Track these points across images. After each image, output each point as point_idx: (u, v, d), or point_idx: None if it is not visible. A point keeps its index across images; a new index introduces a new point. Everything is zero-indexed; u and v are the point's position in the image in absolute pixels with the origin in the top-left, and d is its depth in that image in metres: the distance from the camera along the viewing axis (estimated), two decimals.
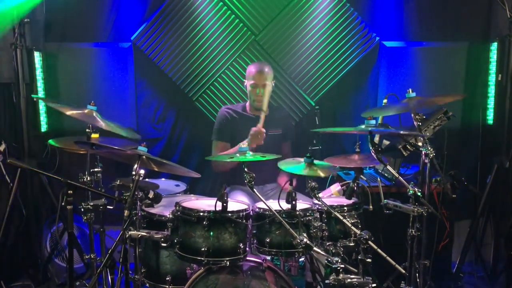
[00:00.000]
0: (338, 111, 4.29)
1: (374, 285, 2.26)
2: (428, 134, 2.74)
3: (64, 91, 4.08)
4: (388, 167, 2.64)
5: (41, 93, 3.92)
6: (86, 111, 2.96)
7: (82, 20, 4.08)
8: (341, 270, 2.26)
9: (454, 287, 3.66)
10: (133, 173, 2.49)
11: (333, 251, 2.61)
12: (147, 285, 2.80)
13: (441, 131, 2.81)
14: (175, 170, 2.89)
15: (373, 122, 2.68)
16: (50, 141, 3.28)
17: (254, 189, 2.50)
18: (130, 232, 2.49)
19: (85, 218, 2.95)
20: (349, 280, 2.24)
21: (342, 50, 4.18)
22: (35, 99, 3.82)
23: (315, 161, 2.81)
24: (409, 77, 4.15)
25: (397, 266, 2.55)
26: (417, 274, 2.70)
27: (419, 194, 2.47)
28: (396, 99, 3.00)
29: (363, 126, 2.68)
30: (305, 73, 4.21)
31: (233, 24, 4.14)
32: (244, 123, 3.61)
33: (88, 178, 2.88)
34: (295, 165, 2.81)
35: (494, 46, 3.94)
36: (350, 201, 2.81)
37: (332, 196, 3.11)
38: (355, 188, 2.82)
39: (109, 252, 2.40)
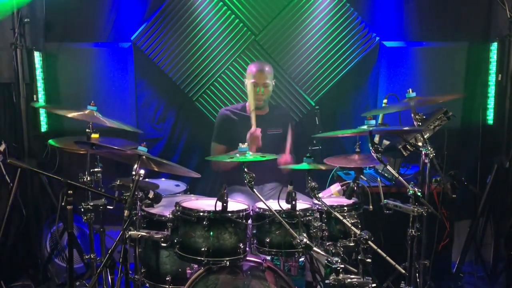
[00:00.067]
0: (338, 111, 4.29)
1: (374, 285, 2.26)
2: (428, 134, 2.74)
3: (64, 91, 4.08)
4: (388, 167, 2.64)
5: (41, 93, 3.92)
6: (86, 111, 2.97)
7: (82, 20, 4.08)
8: (341, 270, 2.26)
9: (454, 287, 3.66)
10: (133, 173, 2.49)
11: (333, 251, 2.61)
12: (147, 285, 2.80)
13: (441, 131, 2.81)
14: (175, 170, 2.89)
15: (373, 122, 2.68)
16: (50, 141, 3.29)
17: (254, 189, 2.50)
18: (130, 232, 2.49)
19: (85, 218, 2.95)
20: (349, 280, 2.24)
21: (342, 50, 4.18)
22: (34, 99, 3.82)
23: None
24: (409, 77, 4.15)
25: (397, 266, 2.55)
26: (417, 274, 2.70)
27: (419, 194, 2.47)
28: (396, 99, 3.00)
29: (364, 127, 2.67)
30: (305, 73, 4.22)
31: (233, 24, 4.14)
32: (244, 123, 3.61)
33: (88, 178, 2.88)
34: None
35: (494, 46, 3.94)
36: (350, 201, 2.81)
37: (332, 196, 3.11)
38: (355, 188, 2.82)
39: (109, 252, 2.40)
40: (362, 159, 2.97)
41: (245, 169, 2.52)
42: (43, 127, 3.97)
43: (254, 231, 2.69)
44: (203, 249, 2.51)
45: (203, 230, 2.53)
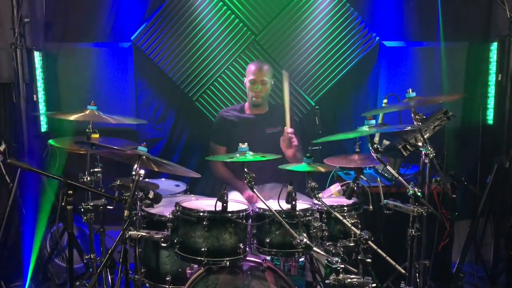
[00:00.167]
0: (338, 111, 4.30)
1: (374, 285, 2.26)
2: (428, 134, 2.74)
3: (64, 91, 4.08)
4: (388, 167, 2.64)
5: (41, 93, 3.91)
6: (87, 111, 2.96)
7: (82, 20, 4.08)
8: (341, 270, 2.26)
9: (454, 287, 3.66)
10: (133, 173, 2.49)
11: (333, 251, 2.61)
12: (147, 285, 2.80)
13: (441, 131, 2.81)
14: (175, 170, 2.89)
15: (373, 122, 2.68)
16: (50, 141, 3.28)
17: (254, 190, 2.50)
18: (130, 232, 2.49)
19: (85, 218, 2.95)
20: (349, 280, 2.24)
21: (342, 50, 4.18)
22: (34, 99, 3.82)
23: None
24: (409, 77, 4.15)
25: (397, 266, 2.55)
26: (417, 274, 2.70)
27: (419, 194, 2.47)
28: (396, 99, 3.00)
29: (366, 128, 2.66)
30: (305, 73, 4.22)
31: (233, 24, 4.14)
32: (242, 124, 3.62)
33: (88, 178, 2.88)
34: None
35: (494, 46, 3.94)
36: (350, 201, 2.81)
37: (332, 196, 3.10)
38: (355, 188, 2.82)
39: (109, 252, 2.40)
40: (362, 159, 2.97)
41: (245, 169, 2.52)
42: (43, 127, 3.97)
43: (254, 231, 2.69)
44: (203, 249, 2.51)
45: (203, 230, 2.53)
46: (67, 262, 3.12)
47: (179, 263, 2.72)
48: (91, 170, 2.92)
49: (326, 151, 3.53)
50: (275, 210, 2.52)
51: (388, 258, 2.50)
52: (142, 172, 2.50)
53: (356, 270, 2.34)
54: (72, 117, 2.92)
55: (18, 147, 3.77)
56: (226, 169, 3.71)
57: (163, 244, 2.58)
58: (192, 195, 3.10)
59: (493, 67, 3.96)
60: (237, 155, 2.63)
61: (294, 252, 2.59)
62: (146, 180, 3.16)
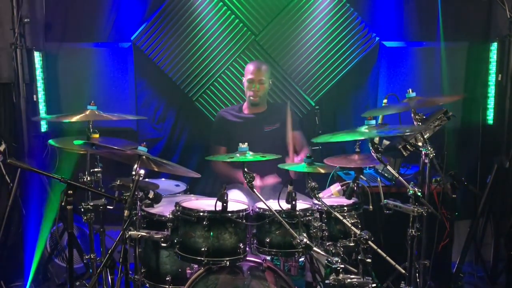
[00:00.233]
0: (338, 111, 4.30)
1: (374, 285, 2.26)
2: (428, 134, 2.74)
3: (64, 91, 4.08)
4: (388, 167, 2.64)
5: (41, 93, 3.91)
6: (87, 112, 2.97)
7: (82, 20, 4.08)
8: (341, 270, 2.26)
9: (454, 287, 3.66)
10: (133, 173, 2.49)
11: (333, 251, 2.61)
12: (147, 285, 2.80)
13: (441, 131, 2.81)
14: (175, 170, 2.90)
15: (373, 122, 2.67)
16: (50, 141, 3.28)
17: (254, 190, 2.50)
18: (130, 232, 2.49)
19: (85, 218, 2.95)
20: (349, 280, 2.24)
21: (342, 50, 4.18)
22: (34, 99, 3.82)
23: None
24: (409, 77, 4.15)
25: (397, 266, 2.55)
26: (417, 274, 2.70)
27: (419, 194, 2.47)
28: (396, 99, 3.00)
29: (364, 129, 2.66)
30: (305, 73, 4.22)
31: (233, 24, 4.14)
32: (241, 123, 3.63)
33: (88, 178, 2.88)
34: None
35: (494, 46, 3.94)
36: (350, 201, 2.81)
37: (332, 196, 3.10)
38: (355, 188, 2.82)
39: (109, 252, 2.40)
40: (362, 159, 2.96)
41: (245, 169, 2.52)
42: (43, 127, 3.97)
43: (254, 231, 2.69)
44: (203, 249, 2.51)
45: (203, 230, 2.53)
46: (67, 262, 3.12)
47: (179, 263, 2.72)
48: (91, 170, 2.92)
49: (326, 151, 3.53)
50: (275, 210, 2.52)
51: (388, 258, 2.50)
52: (142, 172, 2.50)
53: (356, 270, 2.34)
54: (73, 119, 2.93)
55: (18, 147, 3.77)
56: (225, 164, 3.70)
57: (163, 244, 2.58)
58: (192, 195, 3.10)
59: (493, 67, 3.97)
60: (237, 155, 2.63)
61: (294, 252, 2.59)
62: (146, 180, 3.16)
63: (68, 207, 2.42)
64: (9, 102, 3.81)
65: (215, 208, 2.50)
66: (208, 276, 2.60)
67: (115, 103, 4.09)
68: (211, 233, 2.53)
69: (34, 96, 3.84)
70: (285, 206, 2.57)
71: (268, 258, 2.73)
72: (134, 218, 2.66)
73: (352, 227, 2.59)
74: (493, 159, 3.82)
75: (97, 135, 2.98)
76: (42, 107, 3.95)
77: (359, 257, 2.29)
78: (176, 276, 2.74)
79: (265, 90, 3.68)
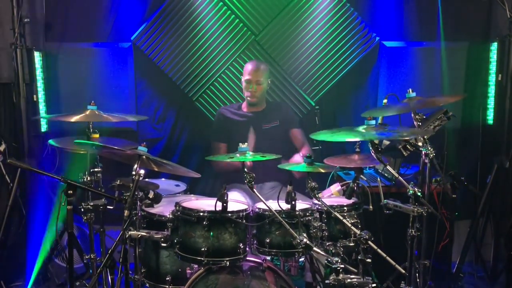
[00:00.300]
0: (338, 111, 4.30)
1: (374, 285, 2.26)
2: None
3: (64, 91, 4.08)
4: (388, 167, 2.64)
5: (41, 93, 3.92)
6: (87, 112, 2.97)
7: (82, 20, 4.08)
8: (341, 270, 2.26)
9: (454, 287, 3.66)
10: (133, 173, 2.49)
11: (333, 251, 2.61)
12: (147, 285, 2.80)
13: (441, 131, 2.81)
14: (175, 170, 2.90)
15: (373, 122, 2.67)
16: (50, 141, 3.28)
17: (254, 189, 2.50)
18: (130, 232, 2.49)
19: (85, 218, 2.95)
20: (349, 280, 2.24)
21: (342, 50, 4.18)
22: (34, 99, 3.82)
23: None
24: (409, 77, 4.15)
25: (397, 266, 2.55)
26: (417, 274, 2.70)
27: (419, 194, 2.47)
28: (396, 99, 3.00)
29: (362, 129, 2.66)
30: (305, 73, 4.22)
31: (233, 24, 4.14)
32: (241, 122, 3.64)
33: (88, 178, 2.88)
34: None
35: (494, 46, 3.94)
36: (350, 201, 2.81)
37: (332, 196, 3.10)
38: (355, 188, 2.82)
39: (109, 252, 2.40)
40: (362, 159, 2.96)
41: (245, 169, 2.52)
42: (43, 127, 3.97)
43: (254, 231, 2.69)
44: (203, 249, 2.51)
45: (203, 230, 2.53)
46: (67, 262, 3.12)
47: (179, 263, 2.72)
48: (91, 170, 2.92)
49: (326, 151, 3.53)
50: (275, 210, 2.52)
51: (388, 258, 2.50)
52: (142, 172, 2.50)
53: (356, 270, 2.34)
54: (73, 119, 2.93)
55: (18, 147, 3.77)
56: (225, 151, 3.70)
57: (163, 244, 2.58)
58: (192, 195, 3.10)
59: (493, 67, 3.97)
60: (237, 155, 2.63)
61: (294, 252, 2.59)
62: (146, 180, 3.16)
63: (68, 207, 2.42)
64: (9, 102, 3.82)
65: (215, 208, 2.50)
66: (208, 276, 2.60)
67: (115, 103, 4.08)
68: (211, 233, 2.53)
69: (34, 96, 3.84)
70: (285, 206, 2.57)
71: (268, 258, 2.73)
72: (134, 218, 2.66)
73: (352, 227, 2.58)
74: (493, 159, 3.83)
75: (97, 135, 2.99)
76: (42, 107, 3.95)
77: (359, 257, 2.29)
78: (176, 276, 2.74)
79: (263, 90, 3.69)
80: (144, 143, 2.63)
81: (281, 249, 2.60)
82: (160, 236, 2.56)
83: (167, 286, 2.72)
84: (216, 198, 2.50)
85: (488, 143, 4.04)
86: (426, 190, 2.75)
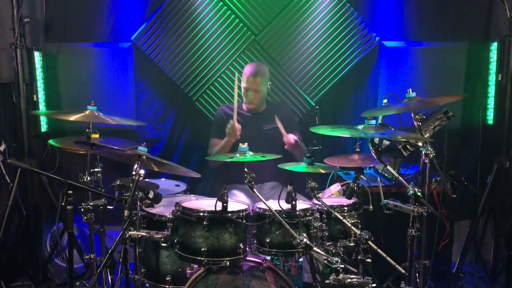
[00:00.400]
0: (338, 111, 4.29)
1: (374, 285, 2.26)
2: (428, 134, 2.74)
3: (64, 91, 4.08)
4: (388, 167, 2.64)
5: (41, 93, 3.91)
6: (87, 112, 2.97)
7: (82, 20, 4.08)
8: (341, 270, 2.26)
9: (454, 287, 3.66)
10: (133, 173, 2.49)
11: (333, 251, 2.61)
12: (147, 285, 2.80)
13: (441, 131, 2.81)
14: (175, 170, 2.90)
15: (373, 122, 2.67)
16: (50, 141, 3.29)
17: (254, 190, 2.50)
18: (130, 232, 2.49)
19: (85, 218, 2.96)
20: (349, 280, 2.24)
21: (342, 50, 4.18)
22: (34, 99, 3.82)
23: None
24: (409, 77, 4.15)
25: (397, 266, 2.55)
26: (417, 274, 2.70)
27: (419, 194, 2.47)
28: (396, 99, 3.00)
29: (361, 128, 2.66)
30: (305, 73, 4.22)
31: (233, 24, 4.14)
32: (241, 120, 3.64)
33: (88, 178, 2.89)
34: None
35: (494, 46, 3.94)
36: (350, 201, 2.81)
37: (332, 196, 3.10)
38: (355, 188, 2.82)
39: (109, 252, 2.40)
40: (362, 159, 2.97)
41: (245, 169, 2.52)
42: (43, 127, 3.97)
43: (254, 231, 2.69)
44: (203, 249, 2.51)
45: (203, 230, 2.53)
46: (67, 262, 3.12)
47: (179, 263, 2.72)
48: (91, 170, 2.92)
49: (326, 151, 3.53)
50: (275, 210, 2.52)
51: (388, 258, 2.50)
52: (142, 172, 2.50)
53: (356, 270, 2.34)
54: (72, 118, 2.92)
55: (18, 147, 3.77)
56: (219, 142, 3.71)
57: (163, 244, 2.58)
58: (192, 195, 3.09)
59: (493, 67, 3.97)
60: (237, 155, 2.63)
61: (294, 252, 2.59)
62: (146, 180, 3.17)
63: (68, 207, 2.42)
64: (9, 102, 3.82)
65: (215, 208, 2.50)
66: (208, 276, 2.59)
67: (115, 103, 4.09)
68: (211, 233, 2.53)
69: (34, 96, 3.84)
70: (285, 206, 2.57)
71: (268, 258, 2.73)
72: (134, 218, 2.66)
73: (352, 227, 2.59)
74: (493, 159, 3.82)
75: (97, 135, 2.99)
76: (42, 107, 3.95)
77: (359, 257, 2.29)
78: (176, 276, 2.74)
79: (262, 97, 3.68)
80: (144, 143, 2.63)
81: (281, 249, 2.59)
82: (160, 236, 2.56)
83: (167, 286, 2.72)
84: (216, 198, 2.50)
85: (488, 143, 4.04)
86: (426, 190, 2.75)
